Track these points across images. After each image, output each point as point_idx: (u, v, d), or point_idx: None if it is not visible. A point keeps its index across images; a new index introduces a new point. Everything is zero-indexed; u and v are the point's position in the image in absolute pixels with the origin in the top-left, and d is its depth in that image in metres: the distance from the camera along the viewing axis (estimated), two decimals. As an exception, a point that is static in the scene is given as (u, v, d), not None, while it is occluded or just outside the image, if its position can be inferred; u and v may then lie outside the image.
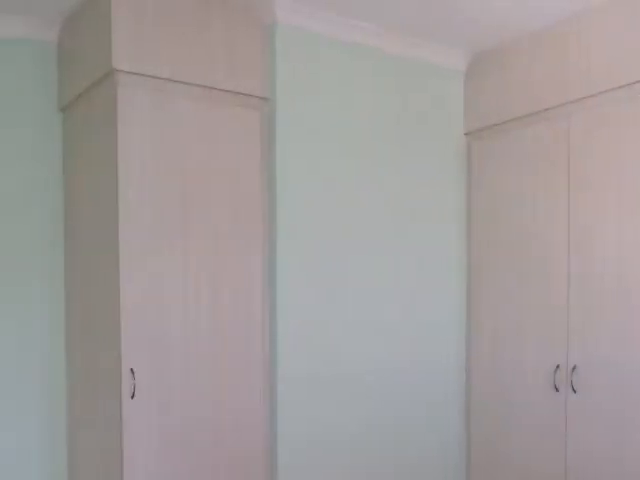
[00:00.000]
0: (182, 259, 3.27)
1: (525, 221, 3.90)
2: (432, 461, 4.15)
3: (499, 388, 4.08)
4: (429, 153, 4.09)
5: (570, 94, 3.62)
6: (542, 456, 3.81)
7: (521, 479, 3.92)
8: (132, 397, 3.11)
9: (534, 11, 3.57)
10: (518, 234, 3.94)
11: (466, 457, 4.30)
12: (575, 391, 3.62)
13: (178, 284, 3.26)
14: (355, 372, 3.78)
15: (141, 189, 3.13)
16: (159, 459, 3.21)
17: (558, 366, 3.71)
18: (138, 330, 3.14)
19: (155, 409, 3.20)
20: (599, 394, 3.50)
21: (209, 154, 3.35)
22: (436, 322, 4.16)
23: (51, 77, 3.60)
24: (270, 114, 3.52)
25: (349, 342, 3.76)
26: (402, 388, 3.99)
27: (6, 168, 3.50)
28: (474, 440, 4.26)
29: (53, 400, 3.64)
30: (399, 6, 3.51)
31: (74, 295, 3.57)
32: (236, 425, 3.45)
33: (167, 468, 3.23)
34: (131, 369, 3.11)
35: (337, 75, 3.69)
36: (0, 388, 3.48)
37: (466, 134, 4.24)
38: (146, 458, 3.17)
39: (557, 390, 3.71)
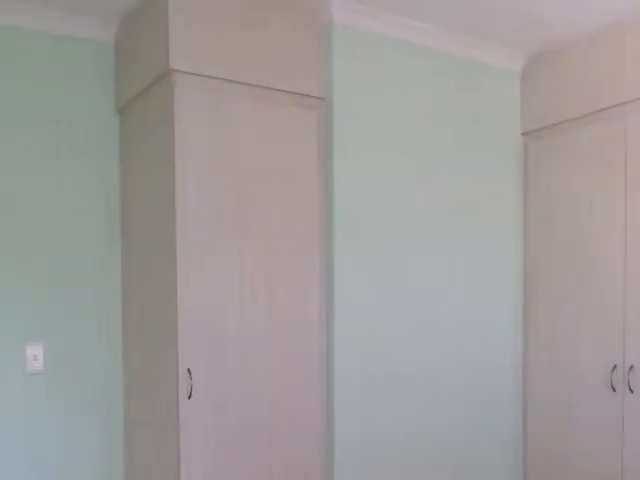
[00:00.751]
0: (239, 259, 3.26)
1: (582, 221, 3.87)
2: (488, 462, 4.11)
3: (556, 389, 4.05)
4: (485, 153, 4.07)
5: (627, 94, 3.60)
6: (598, 457, 3.78)
7: (577, 480, 3.89)
8: (189, 397, 3.11)
9: (591, 11, 3.54)
10: (575, 234, 3.91)
11: (522, 458, 4.27)
12: (632, 391, 3.60)
13: (235, 284, 3.25)
14: (411, 372, 3.77)
15: (198, 189, 3.13)
16: (215, 459, 3.20)
17: (615, 366, 3.68)
18: (195, 330, 3.13)
19: (212, 409, 3.19)
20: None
21: (265, 154, 3.34)
22: (492, 322, 4.13)
23: (108, 78, 3.63)
24: (327, 114, 3.51)
25: (405, 342, 3.75)
26: (457, 388, 3.97)
27: (65, 168, 3.52)
28: (530, 441, 4.22)
29: (110, 401, 3.66)
30: (457, 7, 3.50)
31: (131, 295, 3.58)
32: (292, 425, 3.44)
33: (223, 468, 3.23)
34: (188, 369, 3.11)
35: (393, 75, 3.67)
36: (58, 389, 3.50)
37: (523, 134, 4.21)
38: (202, 458, 3.16)
39: (614, 390, 3.68)
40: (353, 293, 3.55)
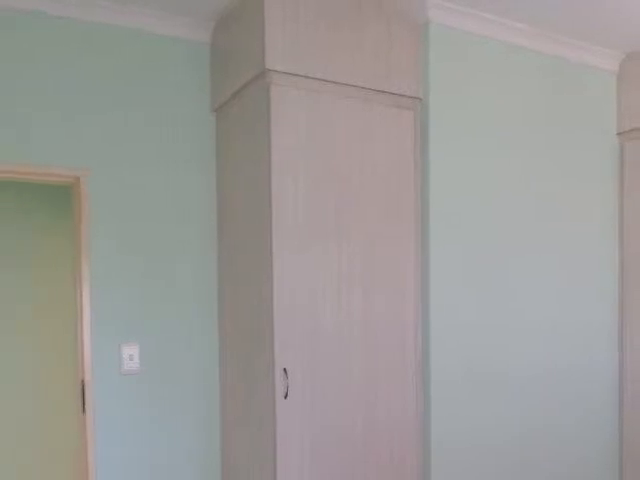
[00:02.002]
0: (334, 259, 3.25)
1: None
2: (584, 465, 4.07)
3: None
4: (581, 153, 4.03)
5: None
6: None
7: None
8: (285, 397, 3.10)
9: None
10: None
11: (618, 461, 4.21)
12: None
13: (330, 284, 3.24)
14: (508, 373, 3.74)
15: (294, 189, 3.13)
16: (311, 459, 3.19)
17: None
18: (291, 330, 3.13)
19: (308, 409, 3.18)
20: None
21: (362, 154, 3.33)
22: (589, 323, 4.08)
23: (204, 78, 3.67)
24: (423, 113, 3.49)
25: (500, 343, 3.72)
26: (553, 389, 3.92)
27: (163, 169, 3.56)
28: (626, 443, 4.16)
29: (207, 400, 3.68)
30: (553, 6, 3.47)
31: (227, 295, 3.59)
32: (387, 425, 3.41)
33: (318, 467, 3.21)
34: (284, 369, 3.10)
35: (489, 75, 3.66)
36: (154, 388, 3.53)
37: (618, 134, 4.16)
38: (298, 458, 3.15)
39: None
40: (449, 293, 3.53)
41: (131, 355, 3.47)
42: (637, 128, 4.03)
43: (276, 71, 3.08)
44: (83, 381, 3.37)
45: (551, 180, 3.89)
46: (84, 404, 3.37)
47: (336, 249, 3.25)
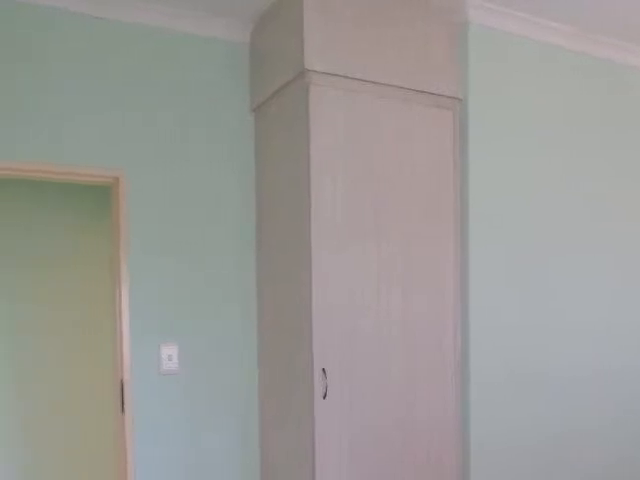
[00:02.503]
0: (373, 259, 3.24)
1: None
2: (629, 467, 4.03)
3: None
4: (633, 153, 4.01)
5: None
6: None
7: None
8: (324, 397, 3.10)
9: None
10: None
11: None
12: None
13: (369, 285, 3.23)
14: (548, 375, 3.72)
15: (333, 188, 3.13)
16: (349, 458, 3.18)
17: None
18: (329, 330, 3.12)
19: (346, 409, 3.17)
20: None
21: (400, 153, 3.32)
22: (636, 324, 4.04)
23: (243, 78, 3.68)
24: (462, 113, 3.48)
25: (542, 344, 3.70)
26: (598, 391, 3.89)
27: (201, 168, 3.57)
28: None
29: (246, 400, 3.68)
30: (593, 8, 3.45)
31: (266, 295, 3.60)
32: (426, 425, 3.40)
33: (357, 467, 3.20)
34: (323, 369, 3.09)
35: (529, 75, 3.65)
36: (192, 388, 3.54)
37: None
38: (337, 457, 3.15)
39: None
40: (489, 293, 3.51)
41: (170, 355, 3.48)
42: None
43: (315, 71, 3.08)
44: (122, 381, 3.39)
45: (600, 180, 3.88)
46: (123, 404, 3.38)
47: (375, 249, 3.24)
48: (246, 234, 3.68)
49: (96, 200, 5.04)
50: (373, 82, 3.23)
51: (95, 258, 5.11)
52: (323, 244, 3.10)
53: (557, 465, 3.74)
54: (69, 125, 3.27)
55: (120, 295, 3.38)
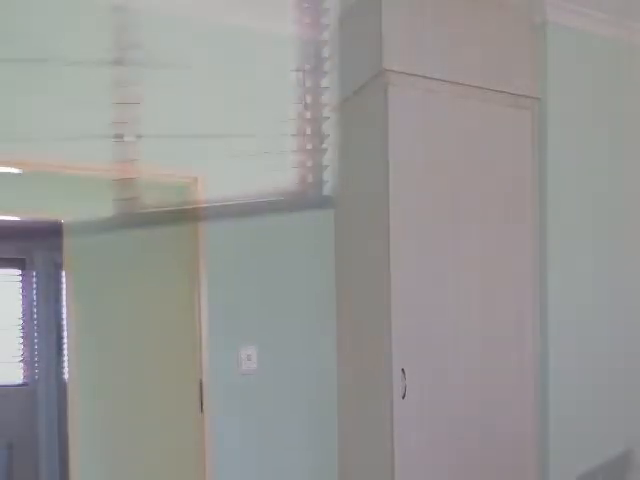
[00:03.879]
0: (451, 259, 3.23)
1: None
2: None
3: None
4: None
5: None
6: None
7: None
8: (403, 397, 3.08)
9: None
10: None
11: None
12: None
13: (447, 284, 3.22)
14: (634, 375, 3.66)
15: (411, 188, 3.13)
16: (429, 459, 3.17)
17: None
18: (408, 330, 3.12)
19: (425, 409, 3.16)
20: None
21: (478, 153, 3.30)
22: None
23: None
24: (541, 114, 3.46)
25: (627, 345, 3.64)
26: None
27: (280, 164, 3.56)
28: None
29: (324, 400, 3.67)
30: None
31: (344, 296, 3.59)
32: (505, 426, 3.37)
33: (436, 468, 3.18)
34: (402, 369, 3.08)
35: (607, 75, 3.60)
36: (272, 388, 3.55)
37: None
38: (416, 458, 3.13)
39: None
40: (569, 293, 3.48)
41: (249, 355, 3.50)
42: None
43: (393, 71, 3.09)
44: (201, 381, 3.42)
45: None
46: (202, 404, 3.41)
47: (452, 249, 3.23)
48: (325, 231, 3.67)
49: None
50: (452, 82, 3.22)
51: (173, 261, 5.14)
52: (401, 245, 3.09)
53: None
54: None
55: (199, 297, 3.40)
